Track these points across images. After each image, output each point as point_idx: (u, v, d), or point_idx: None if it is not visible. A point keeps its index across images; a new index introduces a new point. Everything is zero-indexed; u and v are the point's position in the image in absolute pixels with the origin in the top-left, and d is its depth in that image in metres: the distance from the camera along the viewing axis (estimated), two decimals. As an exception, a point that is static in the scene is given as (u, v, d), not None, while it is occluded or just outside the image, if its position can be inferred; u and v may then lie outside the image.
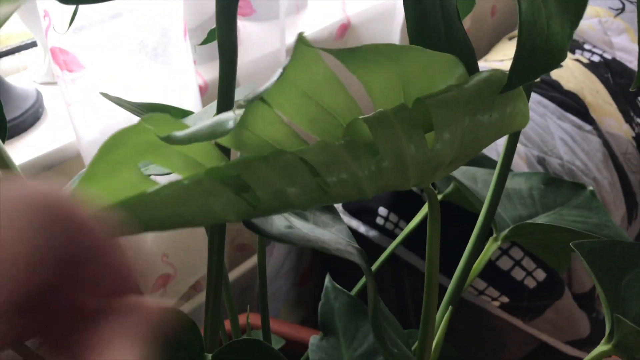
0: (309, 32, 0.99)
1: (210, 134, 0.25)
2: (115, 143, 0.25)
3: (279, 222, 0.37)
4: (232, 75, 0.32)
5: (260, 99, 0.29)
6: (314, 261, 0.96)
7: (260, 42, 0.89)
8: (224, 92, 0.32)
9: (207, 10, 0.81)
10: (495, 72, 0.31)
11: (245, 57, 0.87)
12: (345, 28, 1.03)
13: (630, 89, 0.39)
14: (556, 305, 0.77)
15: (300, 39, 0.27)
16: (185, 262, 0.83)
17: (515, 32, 1.32)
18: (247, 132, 0.30)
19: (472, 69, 0.32)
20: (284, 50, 0.91)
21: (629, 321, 0.32)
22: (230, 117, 0.25)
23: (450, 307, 0.46)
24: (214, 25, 0.62)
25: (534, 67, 0.29)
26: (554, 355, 0.87)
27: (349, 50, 0.29)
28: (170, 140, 0.24)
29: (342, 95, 0.32)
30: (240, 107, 0.25)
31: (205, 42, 0.47)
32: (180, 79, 0.75)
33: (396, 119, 0.28)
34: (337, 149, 0.28)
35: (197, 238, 0.83)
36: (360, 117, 0.29)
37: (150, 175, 0.34)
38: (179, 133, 0.24)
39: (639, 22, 0.36)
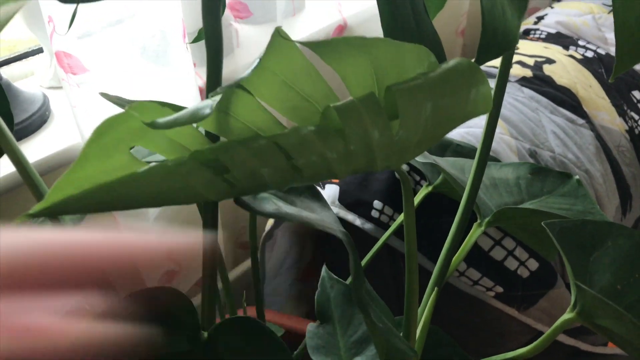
0: (306, 34, 1.01)
1: (189, 119, 0.27)
2: (107, 128, 0.27)
3: (269, 207, 0.39)
4: (218, 64, 0.34)
5: (243, 87, 0.32)
6: (316, 257, 0.99)
7: (257, 45, 0.92)
8: (211, 82, 0.34)
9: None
10: (461, 61, 0.33)
11: (242, 59, 0.90)
12: (341, 29, 1.06)
13: (609, 80, 0.41)
14: (550, 294, 0.79)
15: (277, 31, 0.30)
16: (190, 259, 0.86)
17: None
18: (231, 118, 0.33)
19: (440, 58, 0.35)
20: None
21: (596, 292, 0.34)
22: (209, 103, 0.28)
23: (435, 289, 0.48)
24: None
25: (497, 46, 0.31)
26: (550, 345, 0.89)
27: (322, 43, 0.31)
28: (153, 125, 0.26)
29: (320, 84, 0.34)
30: (216, 93, 0.28)
31: (195, 40, 0.49)
32: (180, 81, 0.78)
33: (362, 106, 0.30)
34: (307, 134, 0.30)
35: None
36: (332, 104, 0.31)
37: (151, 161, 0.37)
38: (162, 119, 0.27)
39: (615, 13, 0.38)
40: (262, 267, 0.89)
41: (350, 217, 0.78)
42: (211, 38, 0.32)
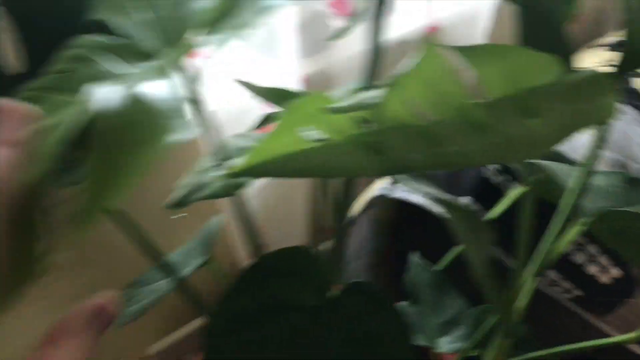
0: (399, 34, 1.05)
1: (360, 106, 0.32)
2: (293, 110, 0.33)
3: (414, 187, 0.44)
4: (376, 60, 0.40)
5: (394, 84, 0.37)
6: (391, 245, 1.03)
7: (349, 42, 0.96)
8: (368, 74, 0.40)
9: (313, 7, 0.89)
10: (594, 72, 0.37)
11: (338, 54, 0.94)
12: (433, 31, 1.09)
13: None
14: (630, 303, 0.80)
15: (426, 37, 0.34)
16: (279, 234, 0.92)
17: (595, 42, 1.33)
18: (382, 108, 0.38)
19: (570, 66, 0.39)
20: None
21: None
22: (376, 94, 0.33)
23: (536, 278, 0.52)
24: (318, 22, 0.71)
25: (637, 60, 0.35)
26: (626, 354, 0.89)
27: (467, 48, 0.35)
28: (334, 110, 0.32)
29: (457, 84, 0.38)
30: (384, 86, 0.33)
31: (333, 38, 0.55)
32: (285, 71, 0.83)
33: (502, 105, 0.34)
34: (450, 127, 0.35)
35: (291, 210, 0.92)
36: (473, 101, 0.35)
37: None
38: (338, 105, 0.32)
39: None
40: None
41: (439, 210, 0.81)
42: (374, 39, 0.37)
